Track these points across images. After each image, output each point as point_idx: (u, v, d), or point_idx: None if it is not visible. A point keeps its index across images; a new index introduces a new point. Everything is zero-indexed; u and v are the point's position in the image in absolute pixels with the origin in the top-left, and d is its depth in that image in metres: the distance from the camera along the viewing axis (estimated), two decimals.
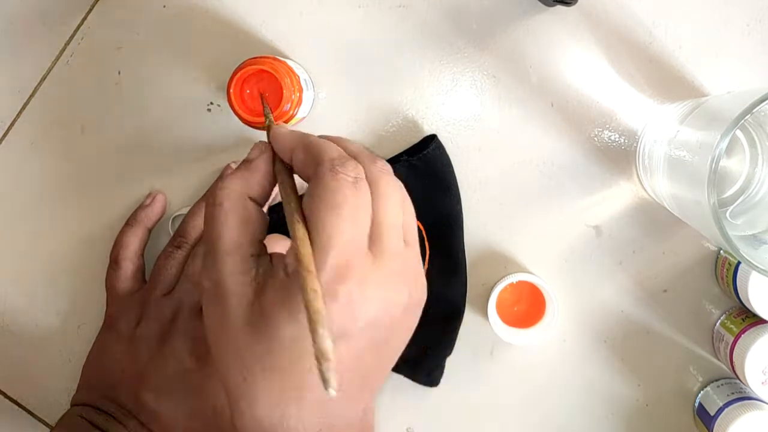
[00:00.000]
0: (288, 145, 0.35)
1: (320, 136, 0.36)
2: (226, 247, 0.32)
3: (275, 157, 0.36)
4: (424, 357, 0.50)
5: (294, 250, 0.30)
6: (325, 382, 0.26)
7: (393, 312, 0.31)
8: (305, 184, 0.33)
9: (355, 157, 0.33)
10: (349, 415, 0.33)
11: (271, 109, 0.45)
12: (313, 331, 0.27)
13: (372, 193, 0.32)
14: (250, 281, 0.32)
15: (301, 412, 0.31)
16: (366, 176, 0.32)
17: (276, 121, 0.45)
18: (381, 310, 0.30)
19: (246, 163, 0.36)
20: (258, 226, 0.34)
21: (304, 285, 0.28)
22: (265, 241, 0.34)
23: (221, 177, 0.35)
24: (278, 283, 0.31)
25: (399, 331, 0.33)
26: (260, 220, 0.34)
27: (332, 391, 0.26)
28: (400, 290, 0.31)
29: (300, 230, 0.30)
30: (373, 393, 0.35)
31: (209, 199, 0.34)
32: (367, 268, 0.30)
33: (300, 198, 0.33)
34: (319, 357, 0.26)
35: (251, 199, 0.34)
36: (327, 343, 0.26)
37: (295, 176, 0.35)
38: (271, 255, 0.33)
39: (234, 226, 0.33)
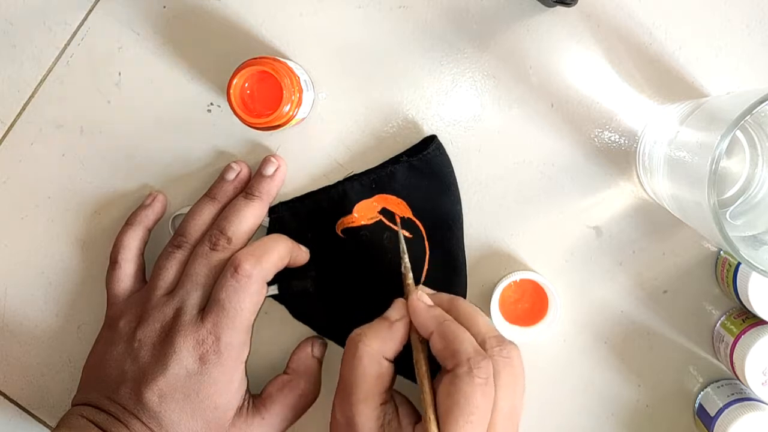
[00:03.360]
0: (427, 325, 0.41)
1: (448, 300, 0.43)
2: (361, 397, 0.39)
3: (412, 326, 0.42)
4: None
5: None
6: None
7: None
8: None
9: (483, 343, 0.39)
10: None
11: (271, 110, 0.45)
12: None
13: (495, 383, 0.38)
14: (378, 427, 0.39)
15: None
16: (492, 366, 0.39)
17: (277, 121, 0.45)
18: None
19: (386, 321, 0.42)
20: (388, 378, 0.41)
21: None
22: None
23: (358, 331, 0.42)
24: None
25: None
26: (390, 373, 0.41)
27: None
28: None
29: (431, 425, 0.38)
30: None
31: (350, 347, 0.41)
32: None
33: (430, 372, 0.41)
34: None
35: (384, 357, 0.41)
36: None
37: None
38: (396, 405, 0.41)
39: (370, 380, 0.40)
